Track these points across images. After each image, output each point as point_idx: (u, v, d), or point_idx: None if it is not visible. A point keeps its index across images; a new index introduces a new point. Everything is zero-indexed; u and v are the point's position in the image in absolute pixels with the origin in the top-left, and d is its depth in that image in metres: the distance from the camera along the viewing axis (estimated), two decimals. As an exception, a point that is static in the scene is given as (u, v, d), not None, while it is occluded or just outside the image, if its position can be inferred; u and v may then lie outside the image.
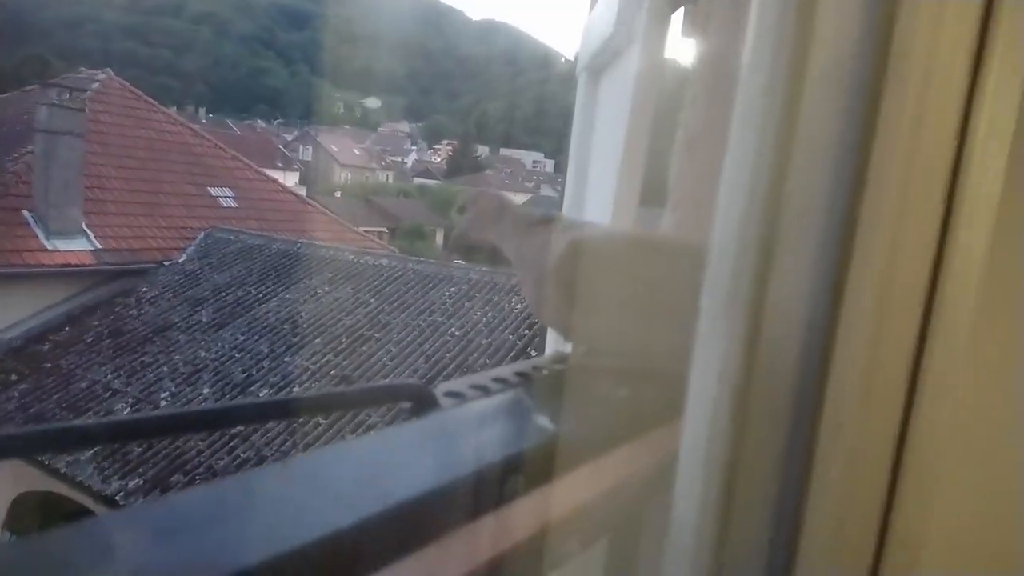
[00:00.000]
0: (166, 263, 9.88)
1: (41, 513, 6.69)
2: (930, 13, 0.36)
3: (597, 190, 1.74)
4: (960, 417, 0.46)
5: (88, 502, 6.16)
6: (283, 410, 0.45)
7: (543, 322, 0.78)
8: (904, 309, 0.40)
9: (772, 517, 0.40)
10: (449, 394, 0.49)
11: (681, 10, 1.49)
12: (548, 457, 0.42)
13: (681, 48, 1.45)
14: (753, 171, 0.37)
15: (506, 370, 0.56)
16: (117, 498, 5.90)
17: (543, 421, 0.47)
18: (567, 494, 0.42)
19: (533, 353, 6.50)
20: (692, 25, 1.37)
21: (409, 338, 7.31)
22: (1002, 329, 0.56)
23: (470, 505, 0.37)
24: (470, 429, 0.45)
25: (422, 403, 0.46)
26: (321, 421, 5.91)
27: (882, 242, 0.37)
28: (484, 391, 0.51)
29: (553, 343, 1.33)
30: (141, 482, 5.96)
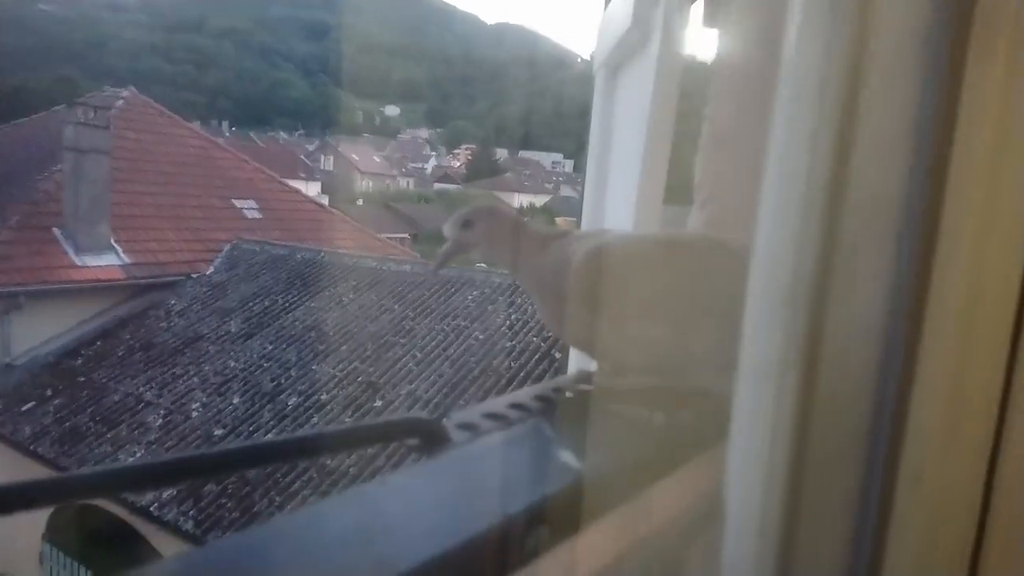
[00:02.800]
0: (194, 275, 10.01)
1: (78, 524, 6.80)
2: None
3: (618, 188, 1.69)
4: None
5: (123, 513, 6.25)
6: (275, 454, 0.40)
7: (566, 341, 0.73)
8: (995, 323, 0.34)
9: (842, 565, 0.34)
10: (462, 426, 0.44)
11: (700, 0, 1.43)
12: (575, 502, 0.37)
13: (702, 39, 1.39)
14: (809, 165, 0.32)
15: (525, 394, 0.51)
16: (151, 509, 5.97)
17: (567, 458, 0.42)
18: (597, 544, 0.37)
19: (557, 355, 6.44)
20: (713, 13, 1.31)
21: (433, 343, 7.31)
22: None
23: (485, 569, 0.32)
24: (485, 472, 0.40)
25: (432, 439, 0.41)
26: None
27: (968, 242, 0.32)
28: (501, 420, 0.46)
29: (577, 361, 1.28)
30: (175, 492, 6.02)
